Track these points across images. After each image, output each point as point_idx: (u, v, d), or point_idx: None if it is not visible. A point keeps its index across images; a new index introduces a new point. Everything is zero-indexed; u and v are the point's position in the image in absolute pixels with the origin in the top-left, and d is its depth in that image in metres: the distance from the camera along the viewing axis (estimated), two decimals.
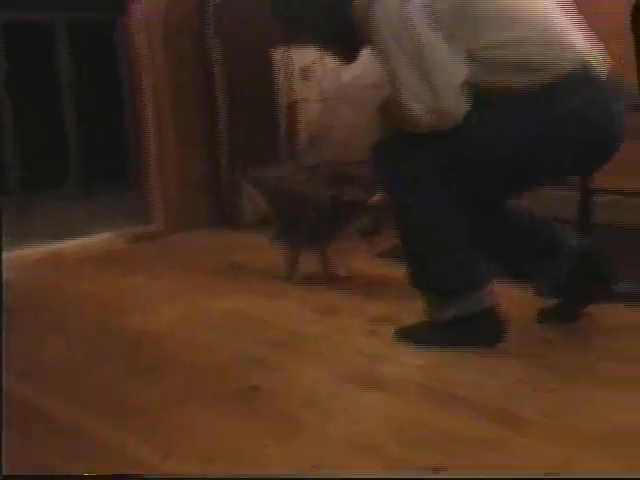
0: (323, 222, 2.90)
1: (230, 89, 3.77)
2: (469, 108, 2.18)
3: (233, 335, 2.52)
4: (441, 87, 2.16)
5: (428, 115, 2.18)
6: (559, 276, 2.45)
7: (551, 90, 2.17)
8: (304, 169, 3.50)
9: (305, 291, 2.90)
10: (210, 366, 2.29)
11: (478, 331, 2.32)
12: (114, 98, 4.74)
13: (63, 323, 2.67)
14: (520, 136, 2.20)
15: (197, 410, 2.01)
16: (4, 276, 2.90)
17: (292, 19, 2.47)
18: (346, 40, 2.40)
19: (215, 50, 3.73)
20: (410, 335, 2.39)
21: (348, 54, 2.50)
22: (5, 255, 3.09)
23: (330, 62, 3.76)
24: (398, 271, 2.43)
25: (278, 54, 3.75)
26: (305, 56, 3.77)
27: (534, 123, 2.19)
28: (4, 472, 1.70)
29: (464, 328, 2.32)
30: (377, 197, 2.72)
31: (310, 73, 3.80)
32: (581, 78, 2.20)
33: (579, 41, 2.24)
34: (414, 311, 2.42)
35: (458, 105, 2.18)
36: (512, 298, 2.50)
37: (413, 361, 2.29)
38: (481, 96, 2.18)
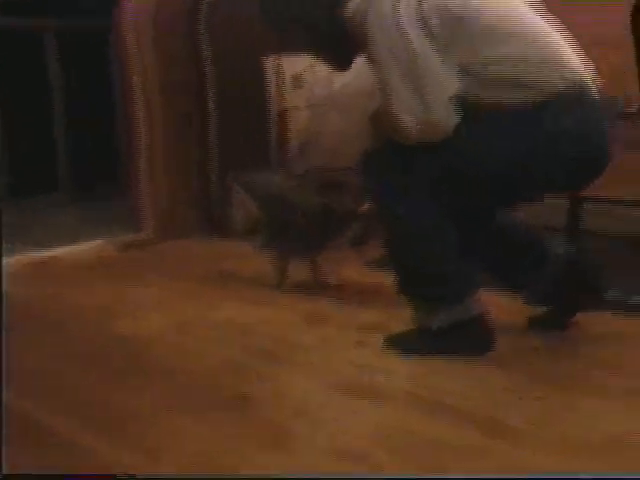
0: (313, 231, 2.90)
1: (221, 92, 3.76)
2: (459, 121, 2.19)
3: (222, 343, 2.52)
4: (432, 99, 2.16)
5: (418, 127, 2.18)
6: (548, 284, 2.46)
7: (543, 107, 2.18)
8: (294, 176, 3.50)
9: (295, 299, 2.90)
10: (199, 375, 2.29)
11: (467, 339, 2.32)
12: (103, 104, 4.72)
13: (50, 330, 2.66)
14: (510, 152, 2.21)
15: (186, 419, 2.01)
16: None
17: (283, 27, 2.47)
18: (340, 48, 2.41)
19: (206, 50, 3.72)
20: (399, 343, 2.40)
21: (342, 62, 2.50)
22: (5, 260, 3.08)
23: (321, 70, 3.77)
24: (387, 280, 2.43)
25: (269, 62, 3.75)
26: (296, 64, 3.77)
27: (525, 139, 2.20)
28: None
29: (453, 336, 2.32)
30: (366, 206, 2.73)
31: (301, 81, 3.80)
32: (574, 97, 2.21)
33: (573, 60, 2.26)
34: (403, 319, 2.42)
35: (448, 118, 2.18)
36: (501, 306, 2.51)
37: (402, 369, 2.29)
38: (472, 110, 2.19)
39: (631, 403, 2.04)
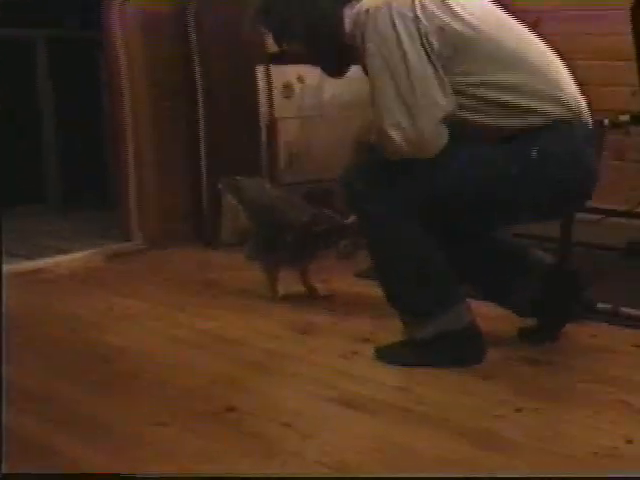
0: (302, 242, 2.89)
1: (211, 100, 3.75)
2: (448, 141, 2.19)
3: (212, 354, 2.51)
4: (424, 118, 2.16)
5: (406, 143, 2.18)
6: (536, 295, 2.46)
7: (536, 135, 2.19)
8: (283, 186, 3.50)
9: (284, 310, 2.89)
10: (188, 386, 2.27)
11: (455, 350, 2.32)
12: (92, 113, 4.71)
13: (38, 341, 2.64)
14: (497, 175, 2.22)
15: (174, 430, 1.99)
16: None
17: (280, 32, 2.47)
18: (336, 57, 2.41)
19: (195, 57, 3.72)
20: (389, 355, 2.39)
21: (337, 70, 2.50)
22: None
23: (311, 80, 3.77)
24: (377, 290, 2.43)
25: (259, 72, 3.74)
26: (286, 74, 3.77)
27: (513, 164, 2.20)
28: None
29: (441, 347, 2.31)
30: (352, 219, 2.72)
31: (291, 91, 3.80)
32: (567, 126, 2.22)
33: (570, 89, 2.27)
34: (393, 330, 2.42)
35: (438, 137, 2.19)
36: (491, 318, 2.50)
37: (392, 381, 2.28)
38: (463, 131, 2.19)
39: (621, 415, 2.03)
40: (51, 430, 2.02)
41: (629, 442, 1.87)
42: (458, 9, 2.19)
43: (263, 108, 3.77)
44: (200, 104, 3.72)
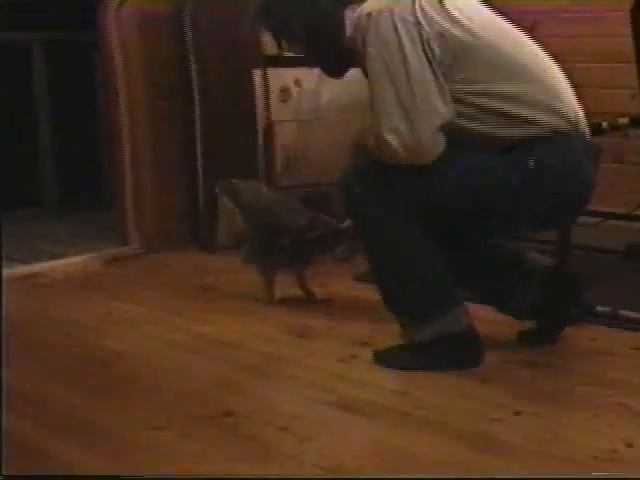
0: (298, 245, 2.88)
1: (208, 103, 3.75)
2: (445, 148, 2.18)
3: (209, 358, 2.50)
4: (422, 124, 2.15)
5: (403, 149, 2.18)
6: (535, 298, 2.45)
7: (533, 146, 2.18)
8: (281, 190, 3.49)
9: (282, 313, 2.88)
10: (185, 390, 2.26)
11: (452, 353, 2.31)
12: (89, 114, 4.70)
13: (35, 346, 2.63)
14: (493, 185, 2.21)
15: (172, 435, 1.98)
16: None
17: (280, 31, 2.46)
18: (336, 58, 2.40)
19: (192, 58, 3.71)
20: (388, 359, 2.38)
21: (337, 71, 2.49)
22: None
23: (308, 83, 3.77)
24: (375, 294, 2.42)
25: (256, 75, 3.74)
26: (283, 77, 3.77)
27: (511, 174, 2.19)
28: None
29: (439, 350, 2.31)
30: (348, 223, 2.72)
31: (288, 95, 3.79)
32: (565, 138, 2.21)
33: (570, 101, 2.26)
34: (392, 334, 2.41)
35: (435, 144, 2.18)
36: (490, 321, 2.49)
37: (390, 385, 2.28)
38: (460, 139, 2.19)
39: (621, 418, 2.02)
40: (47, 434, 2.01)
41: (629, 445, 1.87)
42: (457, 15, 2.18)
43: (260, 111, 3.76)
44: (196, 105, 3.71)
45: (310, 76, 3.70)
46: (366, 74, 2.26)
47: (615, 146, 3.41)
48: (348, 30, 2.30)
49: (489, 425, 1.99)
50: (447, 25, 2.17)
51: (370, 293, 2.46)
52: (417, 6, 2.17)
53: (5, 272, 3.31)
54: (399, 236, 2.28)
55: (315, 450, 1.89)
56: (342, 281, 3.16)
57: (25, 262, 3.56)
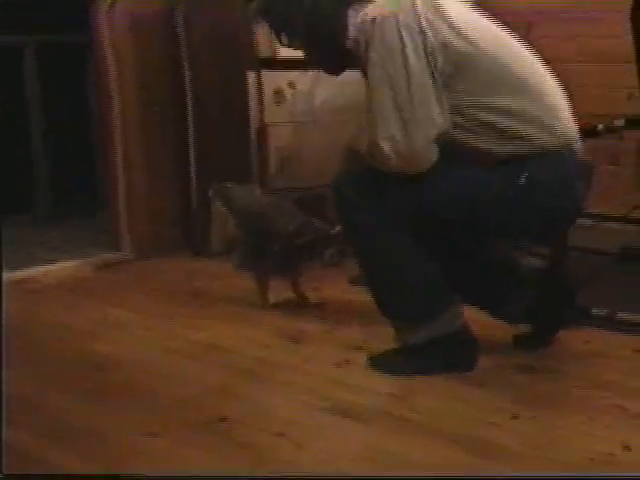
0: (291, 250, 2.86)
1: (201, 105, 3.73)
2: (438, 158, 2.18)
3: (203, 364, 2.48)
4: (418, 133, 2.15)
5: (396, 157, 2.17)
6: (529, 301, 2.45)
7: (526, 162, 2.18)
8: (274, 192, 3.48)
9: (276, 318, 2.86)
10: (180, 395, 2.25)
11: (447, 356, 2.31)
12: (82, 122, 4.69)
13: (27, 351, 2.61)
14: (485, 198, 2.21)
15: (166, 440, 1.97)
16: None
17: (281, 26, 2.44)
18: (336, 57, 2.39)
19: (184, 60, 3.70)
20: (383, 364, 2.37)
21: (335, 69, 2.48)
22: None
23: (302, 85, 3.75)
24: (368, 297, 2.40)
25: (250, 77, 3.73)
26: (277, 80, 3.76)
27: (502, 189, 2.19)
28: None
29: (436, 352, 2.30)
30: (338, 228, 2.70)
31: (282, 97, 3.78)
32: (557, 155, 2.21)
33: (566, 119, 2.26)
34: (386, 338, 2.40)
35: (429, 154, 2.18)
36: (483, 324, 2.48)
37: (385, 389, 2.27)
38: (454, 150, 2.18)
39: (618, 420, 2.02)
40: (39, 439, 1.99)
41: (626, 448, 1.86)
42: (460, 24, 2.17)
43: (254, 113, 3.75)
44: (189, 107, 3.70)
45: (304, 78, 3.69)
46: (366, 76, 2.25)
47: (611, 148, 3.40)
48: (351, 32, 2.29)
49: (486, 429, 1.98)
50: (450, 35, 2.16)
51: (364, 296, 2.45)
52: (421, 13, 2.16)
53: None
54: (390, 244, 2.28)
55: (311, 455, 1.88)
56: (336, 285, 3.15)
57: (16, 267, 3.53)
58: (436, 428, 2.00)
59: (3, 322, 2.43)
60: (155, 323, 2.87)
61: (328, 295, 3.08)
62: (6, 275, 3.39)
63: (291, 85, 3.75)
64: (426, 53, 2.14)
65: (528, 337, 2.49)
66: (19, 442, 1.96)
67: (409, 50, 2.14)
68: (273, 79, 3.73)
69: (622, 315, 2.68)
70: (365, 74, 2.25)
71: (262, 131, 3.75)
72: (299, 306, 2.98)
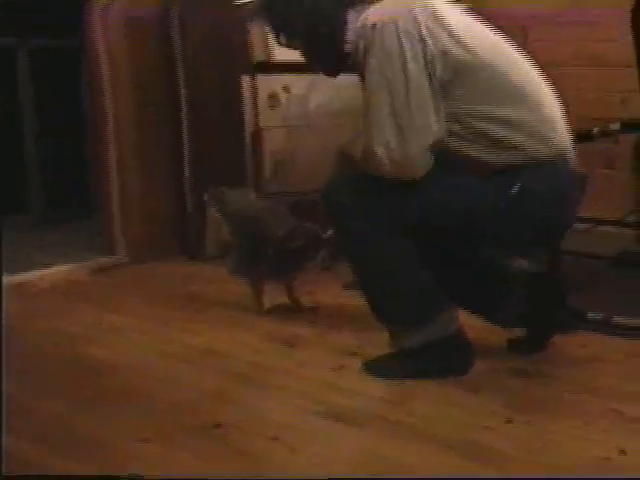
0: (285, 254, 2.85)
1: (195, 109, 3.73)
2: (432, 166, 2.18)
3: (198, 368, 2.48)
4: (413, 141, 2.14)
5: (389, 162, 2.17)
6: (523, 306, 2.45)
7: (519, 172, 2.18)
8: (269, 196, 3.47)
9: (271, 323, 2.86)
10: (175, 400, 2.25)
11: (442, 360, 2.30)
12: (76, 124, 4.68)
13: (21, 356, 2.60)
14: (478, 207, 2.21)
15: (161, 445, 1.96)
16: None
17: (284, 29, 2.43)
18: (334, 60, 2.39)
19: (179, 61, 3.69)
20: (378, 368, 2.37)
21: (332, 71, 2.48)
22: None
23: (297, 89, 3.75)
24: (363, 302, 2.40)
25: (244, 81, 3.72)
26: (272, 84, 3.75)
27: (495, 199, 2.19)
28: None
29: (431, 356, 2.30)
30: (330, 232, 2.70)
31: (277, 101, 3.78)
32: (551, 165, 2.21)
33: (562, 131, 2.26)
34: (380, 342, 2.39)
35: (423, 161, 2.18)
36: (477, 329, 2.48)
37: (381, 394, 2.26)
38: (448, 158, 2.18)
39: (613, 424, 2.01)
40: (33, 443, 1.98)
41: (622, 452, 1.86)
42: (459, 32, 2.17)
43: (248, 117, 3.74)
44: (184, 109, 3.70)
45: (299, 82, 3.69)
46: (364, 82, 2.25)
47: (606, 152, 3.40)
48: (351, 36, 2.28)
49: (480, 434, 1.97)
50: (449, 43, 2.15)
51: (358, 301, 2.44)
52: (421, 21, 2.15)
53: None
54: (383, 250, 2.27)
55: (305, 460, 1.88)
56: (330, 289, 3.15)
57: (10, 271, 3.52)
58: (430, 432, 1.99)
59: (4, 325, 2.43)
60: (150, 327, 2.87)
61: (322, 299, 3.07)
62: (6, 279, 3.39)
63: (286, 89, 3.74)
64: (425, 60, 2.14)
65: (522, 341, 2.49)
66: (11, 446, 1.94)
67: (408, 57, 2.14)
68: (268, 83, 3.72)
69: (618, 319, 2.68)
70: (363, 79, 2.25)
71: (257, 135, 3.75)
72: (293, 310, 2.98)
